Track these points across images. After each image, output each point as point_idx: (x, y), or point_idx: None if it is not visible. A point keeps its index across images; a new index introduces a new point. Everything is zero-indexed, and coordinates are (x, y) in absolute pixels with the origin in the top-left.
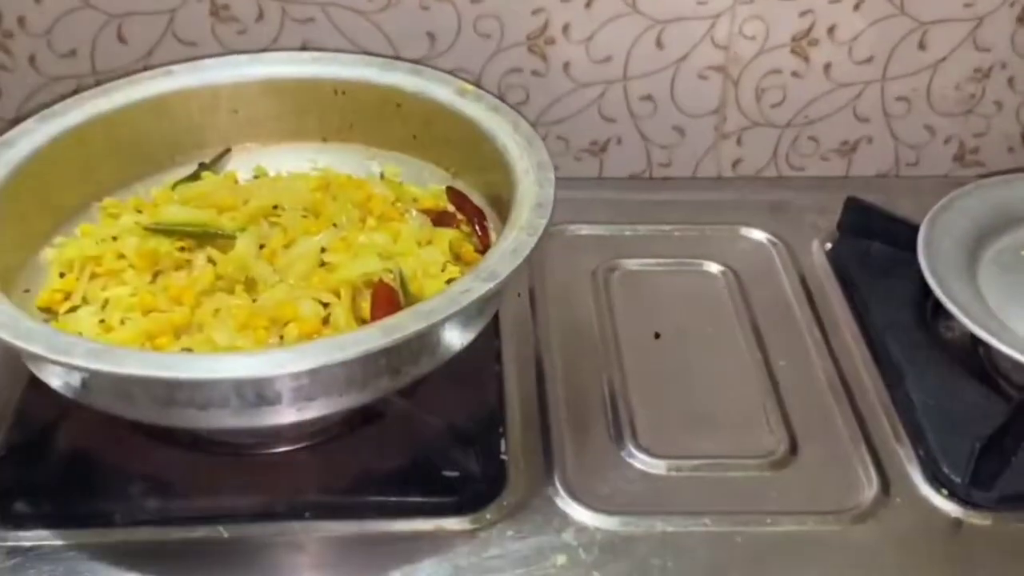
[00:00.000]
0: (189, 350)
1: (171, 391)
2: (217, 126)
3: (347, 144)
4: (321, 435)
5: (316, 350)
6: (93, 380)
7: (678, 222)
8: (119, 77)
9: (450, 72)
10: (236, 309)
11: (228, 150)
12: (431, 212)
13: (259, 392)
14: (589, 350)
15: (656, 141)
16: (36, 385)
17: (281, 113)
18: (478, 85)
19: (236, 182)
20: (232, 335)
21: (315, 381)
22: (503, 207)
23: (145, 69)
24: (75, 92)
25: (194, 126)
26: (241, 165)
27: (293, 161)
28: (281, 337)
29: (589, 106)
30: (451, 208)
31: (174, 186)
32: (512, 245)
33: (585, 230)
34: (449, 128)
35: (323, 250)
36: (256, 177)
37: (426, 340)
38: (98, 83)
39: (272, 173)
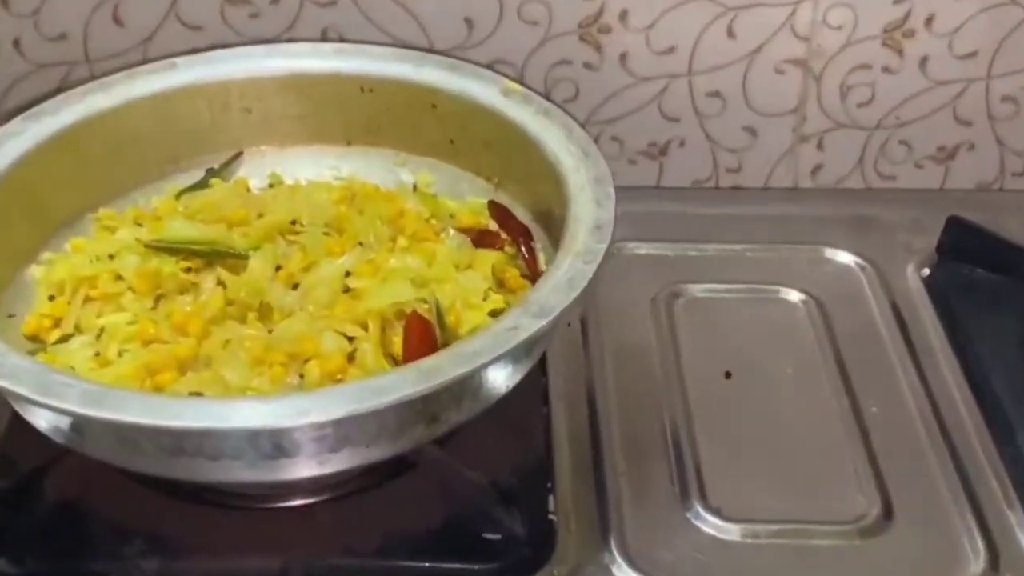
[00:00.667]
0: (198, 393)
1: (177, 440)
2: (227, 127)
3: (374, 148)
4: (343, 487)
5: (342, 396)
6: (87, 425)
7: (751, 241)
8: (115, 66)
9: (490, 65)
10: (249, 341)
11: (239, 154)
12: (471, 231)
13: (277, 443)
14: (650, 391)
15: (724, 144)
16: (20, 423)
17: (300, 113)
18: (521, 81)
19: (248, 191)
20: (245, 372)
21: (340, 431)
22: (552, 224)
23: (145, 59)
24: (64, 81)
25: (201, 127)
26: (254, 171)
27: (313, 167)
28: (301, 376)
29: (648, 103)
30: (493, 226)
31: (178, 195)
32: (566, 275)
33: (644, 249)
34: (491, 133)
35: (348, 274)
36: (271, 185)
37: (467, 384)
38: (92, 73)
39: (289, 181)
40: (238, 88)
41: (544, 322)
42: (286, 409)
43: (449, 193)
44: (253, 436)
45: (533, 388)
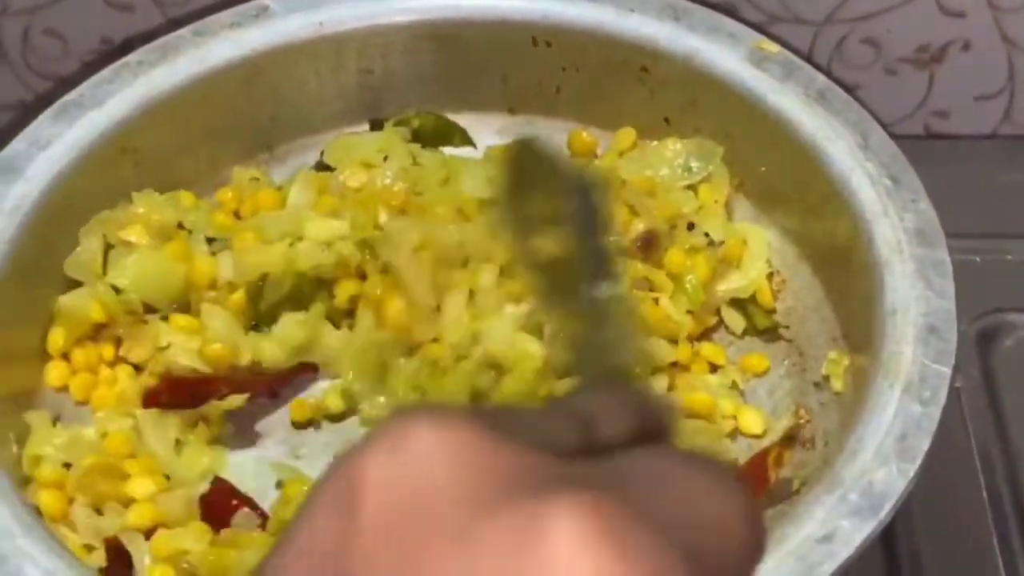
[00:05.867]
0: None
1: None
2: (341, 96)
3: (548, 120)
4: None
5: None
6: None
7: None
8: None
9: None
10: None
11: None
12: None
13: None
14: (968, 512)
15: None
16: None
17: (439, 74)
18: None
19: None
20: None
21: None
22: (831, 263)
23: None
24: None
25: (304, 98)
26: None
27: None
28: None
29: None
30: None
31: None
32: (895, 427)
33: None
34: (732, 116)
35: None
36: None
37: None
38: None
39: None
40: (355, 43)
41: (873, 524)
42: None
43: None
44: None
45: None
